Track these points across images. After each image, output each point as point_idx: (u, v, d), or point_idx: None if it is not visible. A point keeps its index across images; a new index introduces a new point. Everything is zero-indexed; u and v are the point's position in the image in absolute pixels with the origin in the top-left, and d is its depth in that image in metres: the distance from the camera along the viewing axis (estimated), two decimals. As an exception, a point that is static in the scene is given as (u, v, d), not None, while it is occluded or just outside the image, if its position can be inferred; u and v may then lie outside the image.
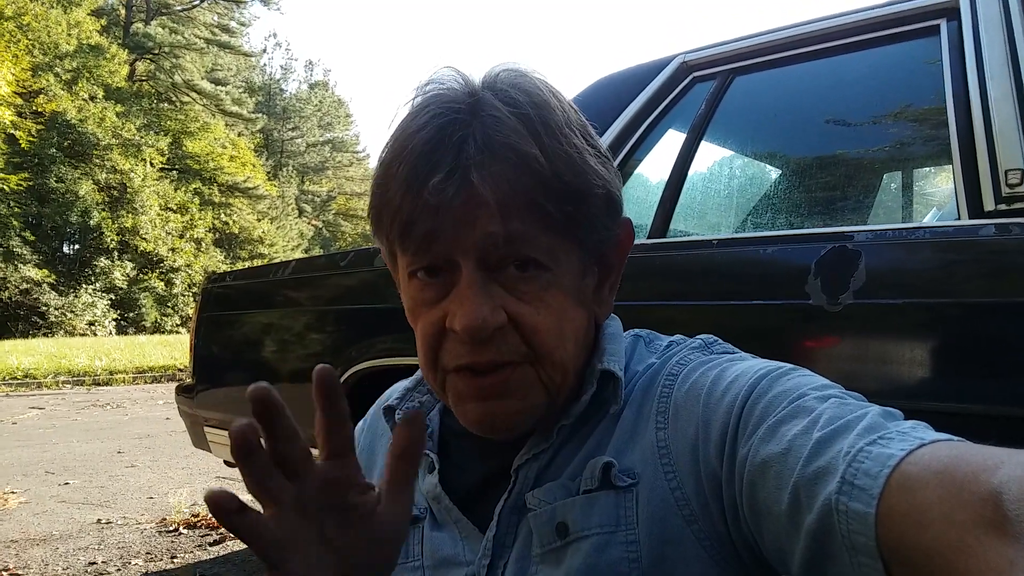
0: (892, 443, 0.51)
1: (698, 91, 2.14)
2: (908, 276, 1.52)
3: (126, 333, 28.82)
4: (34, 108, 25.12)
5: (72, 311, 27.74)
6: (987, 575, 0.41)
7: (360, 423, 0.95)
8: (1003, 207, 1.49)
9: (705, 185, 2.56)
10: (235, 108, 39.14)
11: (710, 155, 2.50)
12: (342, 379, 2.50)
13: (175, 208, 33.49)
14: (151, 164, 31.94)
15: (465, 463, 0.79)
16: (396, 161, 0.67)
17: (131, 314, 30.82)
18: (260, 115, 43.76)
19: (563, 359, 0.70)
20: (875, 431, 0.53)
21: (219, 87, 38.62)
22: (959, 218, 1.55)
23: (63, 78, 28.86)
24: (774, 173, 2.69)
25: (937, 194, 2.91)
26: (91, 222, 29.44)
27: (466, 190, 0.64)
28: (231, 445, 0.51)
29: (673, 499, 0.66)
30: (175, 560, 3.55)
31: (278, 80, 51.35)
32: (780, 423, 0.59)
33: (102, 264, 29.94)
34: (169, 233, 32.66)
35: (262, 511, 0.52)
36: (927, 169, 2.86)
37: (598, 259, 0.75)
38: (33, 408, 9.46)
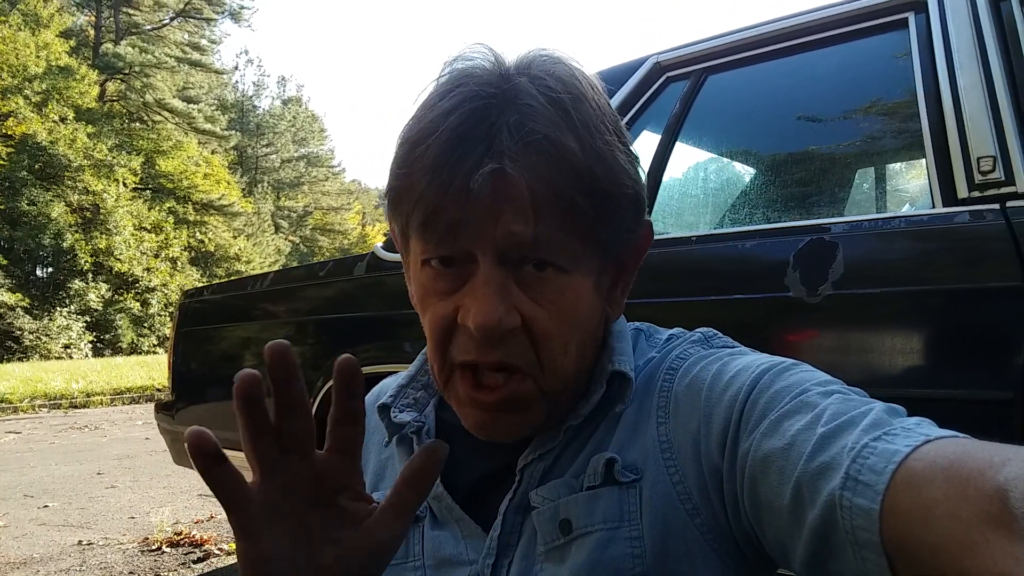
0: (897, 439, 0.51)
1: (672, 91, 2.16)
2: (885, 265, 1.54)
3: (102, 355, 28.46)
4: (3, 131, 24.84)
5: (47, 334, 27.35)
6: (993, 572, 0.41)
7: None
8: (976, 194, 1.51)
9: (682, 185, 2.58)
10: (208, 126, 38.88)
11: (686, 155, 2.51)
12: (323, 390, 2.49)
13: (149, 228, 33.17)
14: (124, 184, 31.64)
15: (465, 460, 0.76)
16: (423, 143, 0.63)
17: (107, 336, 30.46)
18: (233, 132, 43.51)
19: (564, 368, 0.68)
20: (880, 427, 0.53)
21: (191, 105, 38.35)
22: (933, 206, 1.57)
23: (32, 100, 28.54)
24: (749, 170, 2.71)
25: (911, 188, 2.95)
26: (64, 244, 29.08)
27: (499, 182, 0.60)
28: (234, 391, 0.49)
29: (675, 493, 0.66)
30: (158, 580, 3.50)
31: (251, 97, 51.11)
32: (783, 418, 0.58)
33: (76, 286, 29.57)
34: (144, 253, 32.33)
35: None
36: (900, 165, 2.90)
37: (616, 260, 0.72)
38: (10, 432, 9.30)
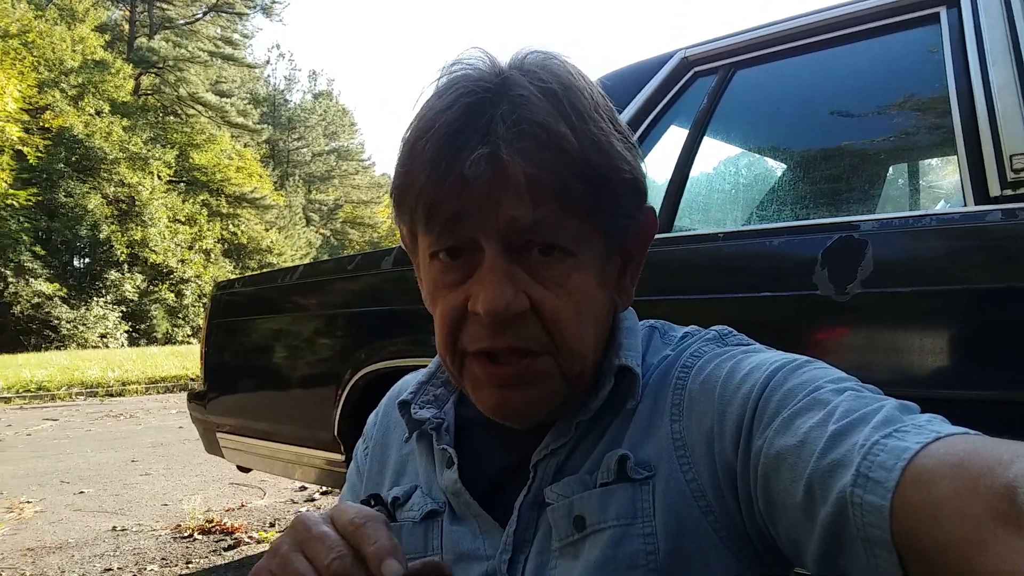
0: (908, 436, 0.51)
1: (700, 86, 2.14)
2: (915, 264, 1.52)
3: (138, 345, 28.94)
4: (41, 124, 25.28)
5: (84, 324, 27.87)
6: (1002, 569, 0.41)
7: (372, 416, 0.95)
8: (1008, 192, 1.49)
9: (709, 180, 2.56)
10: (240, 119, 39.28)
11: (713, 150, 2.50)
12: (351, 382, 2.51)
13: (183, 220, 33.63)
14: (159, 177, 32.08)
15: (483, 455, 0.78)
16: (422, 140, 0.66)
17: (142, 326, 30.95)
18: (265, 126, 43.88)
19: (582, 348, 0.69)
20: (891, 424, 0.53)
21: (224, 99, 38.76)
22: (965, 204, 1.55)
23: (69, 94, 29.03)
24: (778, 166, 2.69)
25: (944, 184, 2.90)
26: (100, 235, 29.59)
27: (496, 169, 0.62)
28: None
29: (689, 491, 0.66)
30: (190, 565, 3.56)
31: (282, 91, 51.50)
32: (795, 415, 0.58)
33: (112, 277, 30.08)
34: (178, 245, 32.79)
35: None
36: (934, 161, 2.86)
37: (620, 247, 0.74)
38: (47, 420, 9.50)
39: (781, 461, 0.57)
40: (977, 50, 1.60)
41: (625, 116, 2.16)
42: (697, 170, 2.18)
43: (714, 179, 2.59)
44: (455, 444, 0.79)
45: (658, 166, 2.25)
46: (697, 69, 2.15)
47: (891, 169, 2.81)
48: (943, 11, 1.69)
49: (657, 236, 1.92)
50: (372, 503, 0.79)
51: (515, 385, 0.68)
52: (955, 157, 1.61)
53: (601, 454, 0.71)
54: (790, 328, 1.64)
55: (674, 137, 2.17)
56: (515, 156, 0.62)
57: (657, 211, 1.98)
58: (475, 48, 0.70)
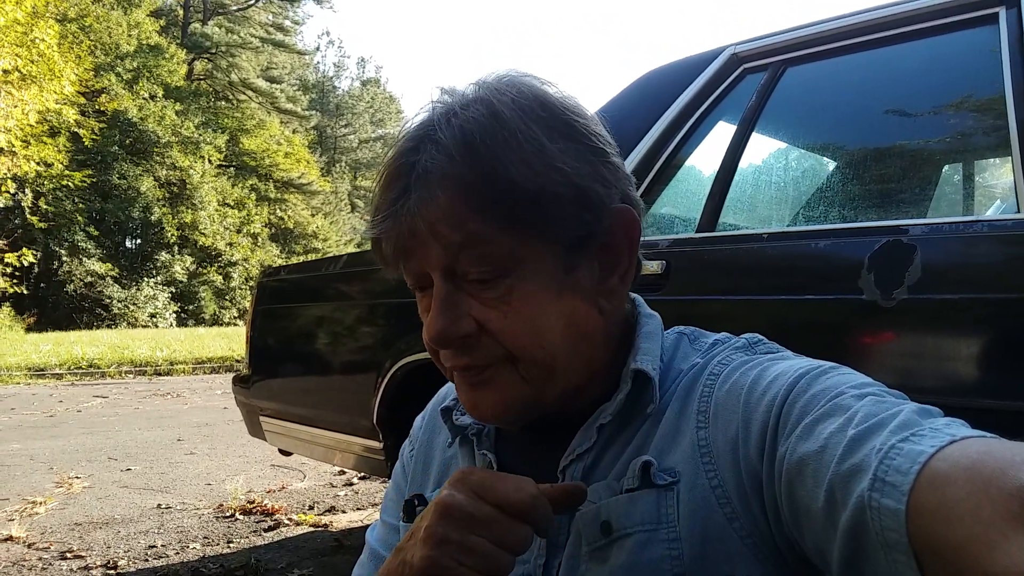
0: (924, 440, 0.51)
1: (748, 83, 2.11)
2: (965, 271, 1.49)
3: (186, 325, 29.57)
4: (96, 107, 25.85)
5: (134, 303, 28.56)
6: (1014, 570, 0.41)
7: (419, 418, 0.99)
8: (1065, 199, 1.45)
9: (755, 178, 2.53)
10: (289, 105, 39.77)
11: (761, 148, 2.46)
12: (391, 372, 2.54)
13: (232, 204, 34.20)
14: (209, 161, 32.66)
15: (519, 461, 0.80)
16: (374, 186, 0.75)
17: (191, 307, 31.61)
18: (314, 112, 44.39)
19: (544, 357, 0.72)
20: (908, 428, 0.53)
21: (274, 85, 39.29)
22: (1019, 211, 1.51)
23: (124, 78, 29.67)
24: (827, 166, 2.64)
25: (999, 186, 2.83)
26: (152, 217, 30.25)
27: (408, 218, 0.69)
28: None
29: (714, 497, 0.66)
30: (231, 545, 3.64)
31: (331, 77, 52.02)
32: (817, 421, 0.59)
33: (163, 258, 30.75)
34: (227, 228, 33.38)
35: None
36: (989, 161, 2.78)
37: (598, 251, 0.74)
38: (97, 397, 9.78)
39: (803, 467, 0.57)
40: (1036, 52, 1.55)
41: (672, 112, 2.15)
42: (744, 168, 2.16)
43: (760, 177, 2.55)
44: (494, 450, 0.82)
45: (705, 163, 2.23)
46: (747, 66, 2.12)
47: (945, 169, 2.74)
48: (1002, 11, 1.64)
49: (701, 235, 1.93)
50: (416, 503, 0.81)
51: (480, 387, 0.74)
52: (1009, 159, 1.57)
53: (628, 460, 0.72)
54: (834, 332, 1.62)
55: (722, 134, 2.14)
56: (419, 203, 0.69)
57: (702, 208, 1.99)
58: (438, 88, 0.76)
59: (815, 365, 0.67)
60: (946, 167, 2.75)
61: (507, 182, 0.68)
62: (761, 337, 0.78)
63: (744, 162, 2.09)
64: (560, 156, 0.70)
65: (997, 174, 2.88)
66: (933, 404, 0.62)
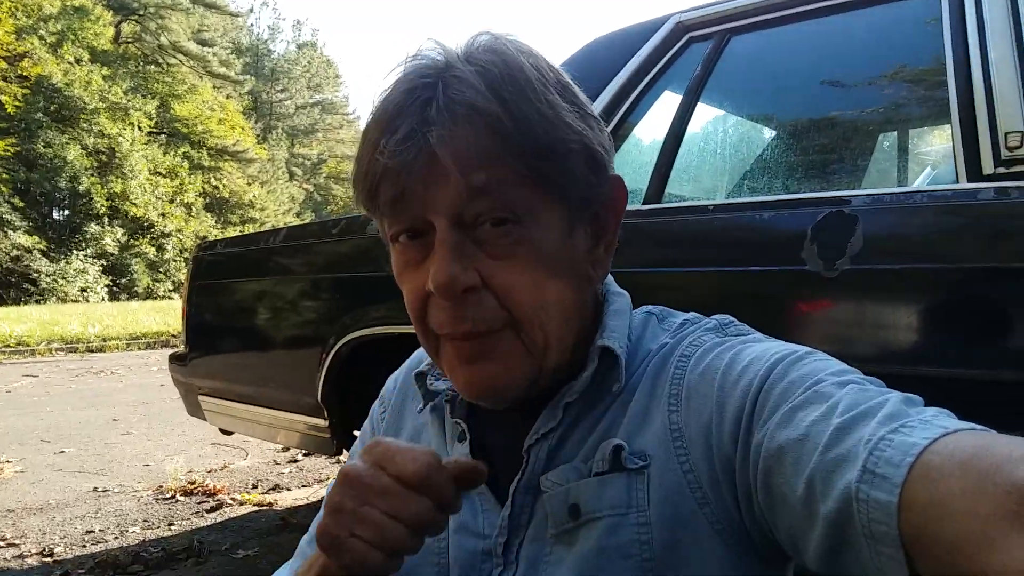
0: (915, 431, 0.50)
1: (694, 52, 2.10)
2: (906, 241, 1.51)
3: (118, 299, 28.81)
4: (19, 72, 24.77)
5: (64, 278, 27.68)
6: (1010, 567, 0.41)
7: (391, 379, 0.96)
8: (1002, 170, 1.48)
9: (701, 148, 2.53)
10: (222, 70, 38.68)
11: (707, 118, 2.46)
12: (336, 347, 2.49)
13: (164, 173, 33.28)
14: (139, 128, 31.66)
15: (489, 434, 0.79)
16: (367, 128, 0.69)
17: (123, 280, 30.79)
18: (248, 77, 43.28)
19: (544, 320, 0.69)
20: (897, 419, 0.52)
21: (206, 48, 38.13)
22: (957, 181, 1.53)
23: (48, 41, 28.46)
24: (771, 135, 2.66)
25: (931, 154, 2.89)
26: (80, 188, 29.24)
27: (427, 151, 0.64)
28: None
29: (685, 482, 0.66)
30: (172, 527, 3.56)
31: (265, 41, 50.68)
32: (797, 409, 0.58)
33: (92, 230, 29.81)
34: (159, 198, 32.49)
35: None
36: (922, 129, 2.84)
37: (590, 218, 0.73)
38: (27, 376, 9.46)
39: (783, 455, 0.56)
40: (977, 24, 1.57)
41: (618, 81, 2.12)
42: (690, 138, 2.15)
43: (706, 147, 2.56)
44: (466, 419, 0.80)
45: (651, 133, 2.21)
46: (692, 35, 2.10)
47: (880, 138, 2.78)
48: (944, -19, 1.65)
49: (647, 207, 1.92)
50: None
51: (479, 360, 0.69)
52: (946, 127, 1.59)
53: (596, 442, 0.71)
54: (778, 303, 1.63)
55: (667, 103, 2.13)
56: (444, 139, 0.64)
57: (648, 179, 1.98)
58: (431, 40, 0.72)
59: (791, 350, 0.66)
60: (881, 136, 2.79)
61: (529, 129, 0.66)
62: (732, 318, 0.77)
63: (690, 132, 2.08)
64: (570, 114, 0.69)
65: (928, 142, 2.94)
66: (873, 373, 0.62)
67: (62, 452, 5.15)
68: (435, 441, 0.83)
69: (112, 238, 30.26)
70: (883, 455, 0.49)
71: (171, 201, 33.25)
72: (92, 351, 12.87)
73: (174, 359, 3.47)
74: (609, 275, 0.81)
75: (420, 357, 0.91)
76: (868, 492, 0.49)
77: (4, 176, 26.12)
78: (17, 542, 3.35)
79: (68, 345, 12.93)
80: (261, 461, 4.85)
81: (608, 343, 0.72)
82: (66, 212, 31.39)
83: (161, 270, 32.42)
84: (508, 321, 0.68)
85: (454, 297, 0.66)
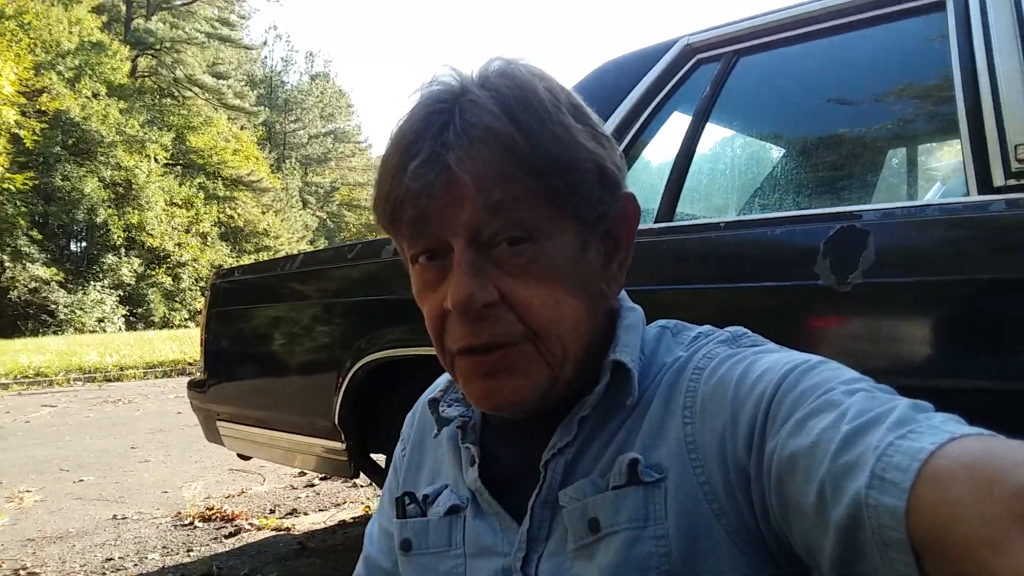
0: (922, 437, 0.50)
1: (702, 73, 2.12)
2: (918, 254, 1.51)
3: (135, 329, 28.93)
4: (38, 107, 25.13)
5: (81, 308, 27.85)
6: (1017, 570, 0.41)
7: (408, 417, 0.97)
8: (1013, 182, 1.48)
9: (711, 168, 2.55)
10: (237, 101, 39.14)
11: (716, 137, 2.48)
12: (352, 371, 2.51)
13: (180, 203, 33.56)
14: (155, 160, 31.99)
15: (504, 453, 0.81)
16: (387, 153, 0.72)
17: (139, 310, 30.95)
18: (262, 108, 43.76)
19: (562, 333, 0.71)
20: (905, 425, 0.53)
21: (221, 81, 38.62)
22: (968, 194, 1.54)
23: (66, 76, 28.88)
24: (779, 154, 2.67)
25: (941, 168, 2.90)
26: (97, 219, 29.53)
27: (446, 173, 0.67)
28: None
29: (701, 494, 0.66)
30: (191, 553, 3.57)
31: (279, 72, 51.29)
32: (808, 417, 0.58)
33: (109, 261, 30.04)
34: (175, 228, 32.75)
35: None
36: (931, 145, 2.84)
37: (603, 235, 0.75)
38: (45, 406, 9.51)
39: (794, 463, 0.57)
40: (983, 38, 1.58)
41: (628, 103, 2.14)
42: (700, 158, 2.17)
43: (716, 166, 2.58)
44: (480, 442, 0.82)
45: (661, 153, 2.23)
46: (700, 56, 2.13)
47: (889, 154, 2.79)
48: (949, -2, 1.67)
49: (659, 225, 1.93)
50: (407, 500, 0.82)
51: (498, 373, 0.71)
52: (955, 141, 1.60)
53: (613, 456, 0.72)
54: (791, 318, 1.64)
55: (677, 124, 2.15)
56: (462, 161, 0.66)
57: (659, 199, 2.00)
58: (446, 66, 0.74)
59: (803, 359, 0.66)
60: (890, 152, 2.80)
61: (544, 149, 0.68)
62: (745, 330, 0.78)
63: (700, 152, 2.10)
64: (583, 134, 0.71)
65: (938, 157, 2.94)
66: (889, 385, 0.62)
67: (81, 480, 5.17)
68: (451, 466, 0.85)
69: (129, 268, 30.48)
70: (891, 460, 0.50)
71: (187, 231, 33.51)
72: (109, 380, 12.93)
73: (192, 385, 3.50)
74: (623, 290, 0.83)
75: (433, 386, 0.92)
76: (877, 498, 0.49)
77: (23, 209, 26.41)
78: (38, 571, 3.36)
79: (86, 375, 13.00)
80: (278, 486, 4.86)
81: (620, 357, 0.74)
82: (83, 244, 31.68)
83: (177, 299, 32.58)
84: (527, 334, 0.70)
85: (473, 313, 0.68)
